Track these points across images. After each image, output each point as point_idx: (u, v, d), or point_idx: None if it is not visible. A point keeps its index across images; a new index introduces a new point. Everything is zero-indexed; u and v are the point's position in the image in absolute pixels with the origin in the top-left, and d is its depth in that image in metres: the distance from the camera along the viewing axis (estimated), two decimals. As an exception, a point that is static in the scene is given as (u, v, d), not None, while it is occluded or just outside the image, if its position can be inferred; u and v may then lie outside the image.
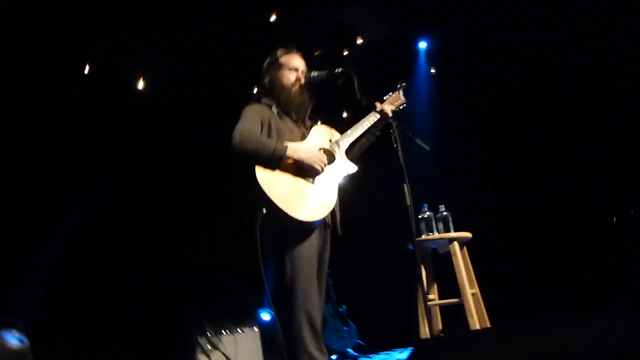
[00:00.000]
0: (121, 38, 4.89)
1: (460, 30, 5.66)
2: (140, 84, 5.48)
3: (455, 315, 3.58)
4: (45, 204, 4.42)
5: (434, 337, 2.54)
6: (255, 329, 4.16)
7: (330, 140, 2.84)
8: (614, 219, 4.84)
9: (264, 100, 2.85)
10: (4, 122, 4.33)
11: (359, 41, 5.95)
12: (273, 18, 5.46)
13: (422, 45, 6.49)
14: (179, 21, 5.00)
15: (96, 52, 4.96)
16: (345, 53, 6.10)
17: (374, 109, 2.89)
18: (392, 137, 2.64)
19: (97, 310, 4.34)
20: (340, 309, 5.32)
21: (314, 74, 2.87)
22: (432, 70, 6.46)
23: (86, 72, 5.05)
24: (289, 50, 2.93)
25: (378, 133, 2.98)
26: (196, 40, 5.15)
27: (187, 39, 5.12)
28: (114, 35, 4.85)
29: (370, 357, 5.17)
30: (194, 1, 4.90)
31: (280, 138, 2.70)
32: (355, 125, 2.89)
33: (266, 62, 2.92)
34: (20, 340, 3.07)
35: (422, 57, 6.57)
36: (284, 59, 2.88)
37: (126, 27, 4.83)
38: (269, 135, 2.71)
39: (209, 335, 3.87)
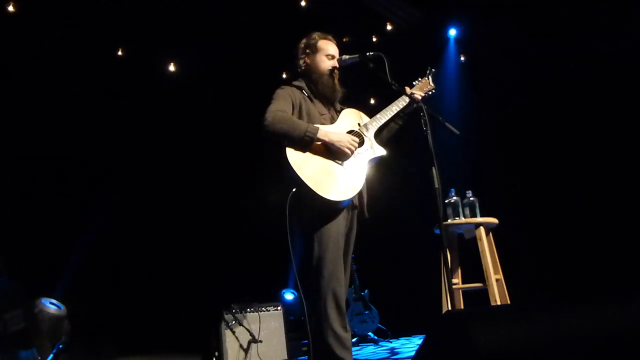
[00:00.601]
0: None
1: (492, 17, 5.60)
2: (171, 67, 5.62)
3: (478, 300, 3.61)
4: (85, 192, 4.61)
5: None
6: (279, 307, 4.25)
7: (359, 124, 2.87)
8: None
9: (295, 83, 2.90)
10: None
11: (388, 27, 5.94)
12: (303, 3, 5.51)
13: (452, 32, 6.43)
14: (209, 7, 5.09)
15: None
16: (374, 39, 6.10)
17: (403, 93, 2.91)
18: (422, 121, 2.65)
19: (127, 284, 4.51)
20: (362, 293, 5.39)
21: (345, 57, 2.91)
22: (462, 58, 6.42)
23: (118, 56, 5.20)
24: (325, 35, 2.96)
25: (406, 117, 3.01)
26: (226, 25, 5.23)
27: (217, 24, 5.21)
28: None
29: (390, 342, 5.24)
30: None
31: (311, 121, 2.75)
32: (385, 109, 2.92)
33: (302, 44, 2.95)
34: (58, 307, 3.25)
35: (452, 44, 6.52)
36: (321, 44, 2.91)
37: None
38: (300, 117, 2.76)
39: (234, 311, 3.97)
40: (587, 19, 4.94)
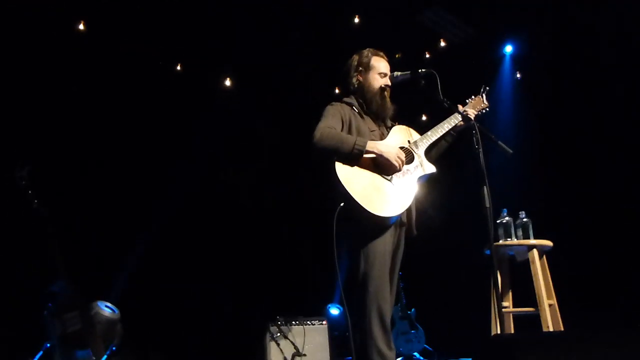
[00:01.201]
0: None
1: (549, 35, 5.47)
2: (228, 82, 5.79)
3: (529, 325, 3.48)
4: (144, 196, 4.78)
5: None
6: (324, 322, 4.25)
7: (409, 141, 2.86)
8: None
9: (346, 99, 2.92)
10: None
11: (442, 44, 5.89)
12: (357, 20, 5.56)
13: (509, 49, 6.31)
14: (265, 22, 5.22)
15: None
16: (427, 56, 6.06)
17: (456, 111, 2.88)
18: (474, 139, 2.61)
19: (179, 293, 4.63)
20: (409, 312, 5.30)
21: (397, 74, 2.91)
22: (518, 75, 6.27)
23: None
24: (376, 52, 2.97)
25: (457, 136, 2.97)
26: (278, 40, 5.35)
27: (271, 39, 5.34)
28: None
29: (436, 363, 5.12)
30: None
31: (361, 136, 2.75)
32: (436, 127, 2.90)
33: (354, 61, 2.95)
34: (112, 310, 3.40)
35: (508, 61, 6.39)
36: (374, 62, 2.92)
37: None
38: (349, 133, 2.77)
39: (279, 323, 4.01)
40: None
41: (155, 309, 4.45)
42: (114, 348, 3.20)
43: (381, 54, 2.97)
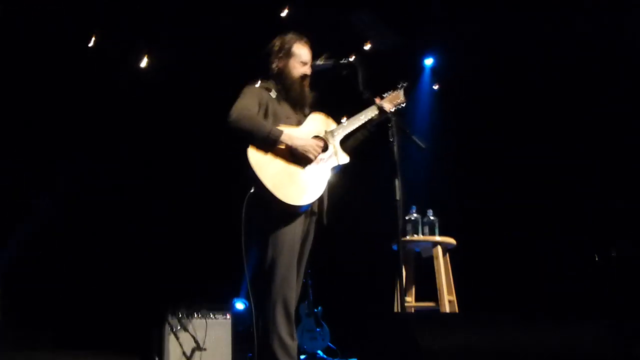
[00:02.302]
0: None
1: (467, 49, 5.75)
2: (144, 62, 5.51)
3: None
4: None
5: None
6: (228, 316, 4.11)
7: (326, 130, 2.84)
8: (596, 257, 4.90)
9: (263, 83, 2.83)
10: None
11: (367, 46, 5.99)
12: (285, 13, 5.50)
13: (429, 61, 6.53)
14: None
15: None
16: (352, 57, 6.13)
17: (373, 103, 2.90)
18: (389, 132, 2.64)
19: (73, 274, 4.32)
20: (315, 310, 5.28)
21: (319, 62, 2.88)
22: (435, 87, 6.51)
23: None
24: (300, 37, 2.90)
25: (373, 129, 2.98)
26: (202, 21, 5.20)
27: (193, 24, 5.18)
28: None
29: (339, 361, 5.13)
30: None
31: (276, 122, 2.71)
32: (353, 118, 2.90)
33: (276, 46, 2.87)
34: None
35: (427, 73, 6.62)
36: (295, 49, 2.85)
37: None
38: (265, 118, 2.71)
39: (180, 315, 3.82)
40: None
41: (46, 290, 4.11)
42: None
43: (305, 39, 2.91)
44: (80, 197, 4.75)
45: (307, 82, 2.88)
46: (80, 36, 5.09)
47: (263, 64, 2.92)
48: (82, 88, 4.97)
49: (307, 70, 2.87)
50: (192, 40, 5.25)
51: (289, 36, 2.91)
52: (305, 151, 2.64)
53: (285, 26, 3.06)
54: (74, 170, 4.69)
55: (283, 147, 2.63)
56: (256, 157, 2.57)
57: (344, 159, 2.80)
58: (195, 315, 3.95)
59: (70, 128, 4.92)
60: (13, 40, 4.60)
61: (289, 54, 2.86)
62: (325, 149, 2.76)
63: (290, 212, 2.61)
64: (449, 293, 3.44)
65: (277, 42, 2.90)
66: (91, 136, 4.93)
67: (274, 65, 2.87)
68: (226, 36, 5.25)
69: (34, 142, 4.73)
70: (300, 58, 2.86)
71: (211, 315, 4.04)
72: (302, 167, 2.67)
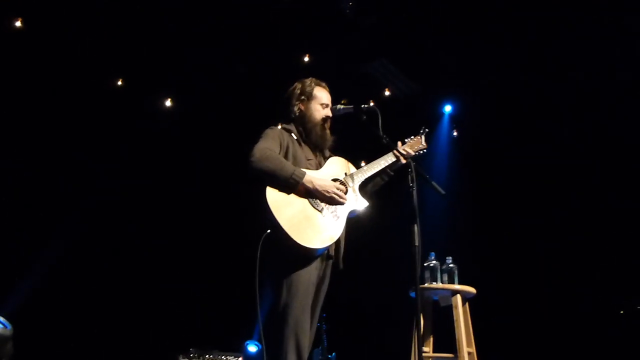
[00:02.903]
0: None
1: (483, 99, 5.83)
2: (168, 102, 5.66)
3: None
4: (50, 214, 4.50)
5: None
6: (240, 359, 4.04)
7: (346, 173, 2.84)
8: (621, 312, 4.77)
9: (285, 125, 2.86)
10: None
11: (386, 93, 6.08)
12: (306, 59, 5.65)
13: (448, 108, 6.59)
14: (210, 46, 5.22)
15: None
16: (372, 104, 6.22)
17: (394, 148, 2.91)
18: (409, 177, 2.62)
19: (83, 315, 4.29)
20: (329, 356, 5.15)
21: (340, 107, 2.91)
22: (455, 133, 6.54)
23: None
24: (319, 82, 2.96)
25: (392, 174, 2.99)
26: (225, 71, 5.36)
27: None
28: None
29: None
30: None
31: (297, 164, 2.70)
32: (373, 162, 2.91)
33: (297, 90, 2.92)
34: (4, 325, 3.04)
35: (446, 120, 6.67)
36: (316, 92, 2.90)
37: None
38: (286, 159, 2.71)
39: (192, 356, 3.76)
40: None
41: (55, 331, 4.07)
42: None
43: (323, 84, 2.96)
44: (102, 238, 4.78)
45: (328, 125, 2.90)
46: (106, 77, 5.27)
47: (283, 109, 2.96)
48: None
49: (328, 112, 2.90)
50: (214, 85, 5.40)
51: (309, 80, 2.96)
52: (327, 192, 2.62)
53: (305, 71, 3.12)
54: (86, 211, 4.74)
55: (302, 189, 2.60)
56: (274, 198, 2.54)
57: (363, 203, 2.79)
58: (207, 357, 3.89)
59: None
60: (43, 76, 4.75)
61: (310, 97, 2.90)
62: (344, 193, 2.74)
63: (306, 255, 2.56)
64: (469, 345, 3.33)
65: (297, 86, 2.95)
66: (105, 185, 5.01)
67: (295, 109, 2.90)
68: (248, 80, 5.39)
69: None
70: (321, 100, 2.91)
71: (223, 357, 3.98)
72: (319, 209, 2.63)
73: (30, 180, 4.54)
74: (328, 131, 2.90)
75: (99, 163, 4.94)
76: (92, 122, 4.99)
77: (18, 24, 4.59)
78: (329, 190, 2.63)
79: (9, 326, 3.08)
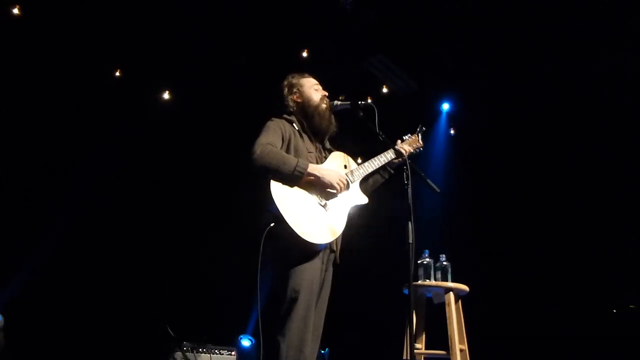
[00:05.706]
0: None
1: (485, 95, 5.83)
2: (166, 95, 5.64)
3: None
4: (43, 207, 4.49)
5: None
6: (233, 352, 4.05)
7: (345, 166, 2.84)
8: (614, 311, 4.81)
9: (286, 116, 2.84)
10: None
11: (384, 90, 6.08)
12: (305, 54, 5.63)
13: (445, 106, 6.60)
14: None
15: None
16: (369, 100, 6.21)
17: (391, 146, 2.91)
18: (404, 174, 2.63)
19: (77, 304, 4.29)
20: (322, 351, 5.17)
21: (337, 103, 2.90)
22: (452, 132, 6.55)
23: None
24: (302, 74, 2.94)
25: (392, 171, 2.99)
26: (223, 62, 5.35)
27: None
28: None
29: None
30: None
31: (298, 156, 2.66)
32: (373, 159, 2.90)
33: (285, 87, 2.90)
34: (-5, 317, 3.04)
35: (444, 118, 6.68)
36: (303, 80, 2.90)
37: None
38: (287, 152, 2.68)
39: (185, 349, 3.77)
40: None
41: (48, 324, 4.06)
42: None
43: (306, 74, 2.95)
44: (95, 231, 4.77)
45: (328, 104, 2.87)
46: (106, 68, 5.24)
47: (279, 110, 2.90)
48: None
49: (324, 91, 2.89)
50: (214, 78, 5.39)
51: (290, 76, 2.94)
52: (331, 181, 2.60)
53: (304, 67, 3.11)
54: (79, 202, 4.72)
55: (306, 183, 2.59)
56: (279, 192, 2.51)
57: (363, 199, 2.79)
58: (200, 350, 3.89)
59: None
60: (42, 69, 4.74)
61: (300, 84, 2.89)
62: (346, 187, 2.74)
63: (308, 249, 2.55)
64: (461, 342, 3.35)
65: (284, 83, 2.92)
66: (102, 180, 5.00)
67: (290, 102, 2.87)
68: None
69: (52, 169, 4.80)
70: (312, 83, 2.90)
71: (216, 351, 3.99)
72: (323, 204, 2.62)
73: (23, 174, 4.52)
74: (329, 115, 2.85)
75: (95, 156, 4.92)
76: (89, 114, 4.97)
77: (16, 11, 4.56)
78: (334, 179, 2.61)
79: (0, 317, 3.07)
